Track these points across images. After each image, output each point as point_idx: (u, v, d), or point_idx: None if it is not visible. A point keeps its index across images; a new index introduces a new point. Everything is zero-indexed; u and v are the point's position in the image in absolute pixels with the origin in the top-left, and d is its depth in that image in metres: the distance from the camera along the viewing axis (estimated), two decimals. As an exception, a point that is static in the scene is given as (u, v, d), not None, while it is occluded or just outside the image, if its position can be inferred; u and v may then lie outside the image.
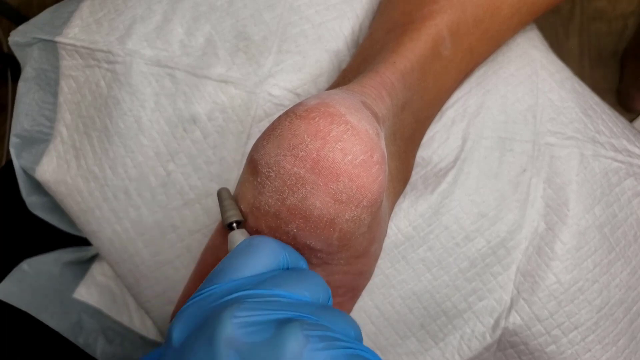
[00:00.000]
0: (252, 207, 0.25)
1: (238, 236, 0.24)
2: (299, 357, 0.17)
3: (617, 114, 0.41)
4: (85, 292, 0.40)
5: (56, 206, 0.40)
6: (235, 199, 0.26)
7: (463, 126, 0.37)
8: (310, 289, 0.22)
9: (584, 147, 0.37)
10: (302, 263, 0.24)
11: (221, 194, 0.26)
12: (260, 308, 0.19)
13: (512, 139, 0.37)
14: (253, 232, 0.26)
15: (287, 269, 0.23)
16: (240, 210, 0.26)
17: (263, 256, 0.22)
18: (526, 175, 0.36)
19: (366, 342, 0.37)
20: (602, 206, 0.36)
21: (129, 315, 0.41)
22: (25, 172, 0.39)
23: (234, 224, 0.25)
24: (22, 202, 0.40)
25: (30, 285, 0.39)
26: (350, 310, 0.31)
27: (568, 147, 0.37)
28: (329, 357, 0.18)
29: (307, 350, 0.18)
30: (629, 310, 0.36)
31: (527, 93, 0.38)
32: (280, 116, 0.24)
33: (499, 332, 0.35)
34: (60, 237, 0.41)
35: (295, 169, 0.22)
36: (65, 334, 0.38)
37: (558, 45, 1.00)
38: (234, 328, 0.18)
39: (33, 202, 0.39)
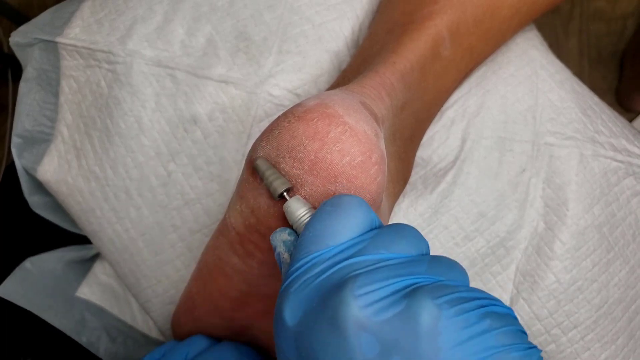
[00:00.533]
0: (252, 208, 0.25)
1: (299, 204, 0.22)
2: (435, 329, 0.17)
3: (616, 113, 0.41)
4: (88, 291, 0.40)
5: (58, 205, 0.40)
6: (235, 199, 0.27)
7: (463, 126, 0.37)
8: (413, 244, 0.20)
9: (584, 147, 0.37)
10: (378, 219, 0.22)
11: (260, 166, 0.23)
12: (378, 279, 0.18)
13: (512, 139, 0.37)
14: (254, 232, 0.26)
15: (378, 227, 0.21)
16: (242, 212, 0.25)
17: (357, 216, 0.20)
18: (526, 175, 0.36)
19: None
20: (601, 206, 0.36)
21: (132, 313, 0.41)
22: (26, 171, 0.39)
23: (285, 193, 0.22)
24: (24, 202, 0.40)
25: (33, 283, 0.39)
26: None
27: (567, 147, 0.37)
28: (463, 322, 0.17)
29: (442, 320, 0.17)
30: (627, 308, 0.36)
31: (527, 93, 0.38)
32: (278, 117, 0.24)
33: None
34: (62, 235, 0.41)
35: (294, 170, 0.22)
36: (69, 333, 0.38)
37: (557, 46, 1.00)
38: (360, 308, 0.17)
39: (35, 201, 0.40)
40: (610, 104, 0.61)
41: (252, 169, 0.24)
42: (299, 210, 0.22)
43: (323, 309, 0.18)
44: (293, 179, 0.23)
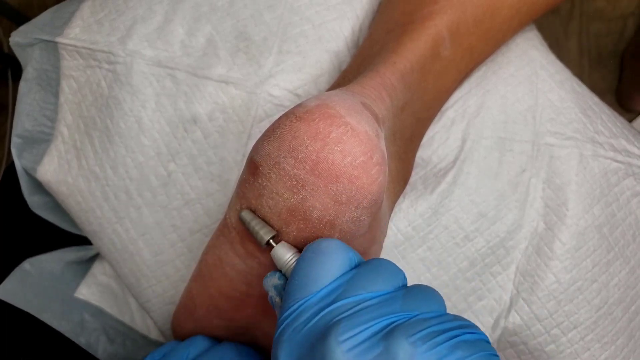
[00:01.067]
0: (252, 208, 0.25)
1: (284, 250, 0.24)
2: None
3: (616, 114, 0.41)
4: (87, 292, 0.40)
5: (57, 206, 0.40)
6: (235, 199, 0.27)
7: (463, 126, 0.37)
8: (388, 280, 0.22)
9: (583, 147, 0.37)
10: (357, 255, 0.24)
11: (245, 217, 0.25)
12: (357, 323, 0.20)
13: (512, 139, 0.37)
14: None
15: (357, 265, 0.23)
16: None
17: (336, 260, 0.22)
18: (525, 175, 0.36)
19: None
20: (601, 206, 0.36)
21: (131, 314, 0.41)
22: (26, 172, 0.39)
23: (271, 240, 0.24)
24: (23, 203, 0.40)
25: (31, 285, 0.39)
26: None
27: (567, 147, 0.37)
28: (435, 355, 0.19)
29: (416, 356, 0.19)
30: (627, 309, 0.36)
31: (527, 93, 0.38)
32: (280, 117, 0.24)
33: (498, 331, 0.35)
34: (61, 236, 0.41)
35: (295, 170, 0.22)
36: (67, 334, 0.38)
37: (557, 46, 1.00)
38: (343, 353, 0.19)
39: (35, 201, 0.40)
40: (610, 104, 0.61)
41: (252, 170, 0.24)
42: (285, 256, 0.24)
43: (313, 356, 0.20)
44: (294, 179, 0.23)
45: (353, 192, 0.23)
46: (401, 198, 0.35)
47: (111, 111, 0.36)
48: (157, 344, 0.41)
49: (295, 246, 0.25)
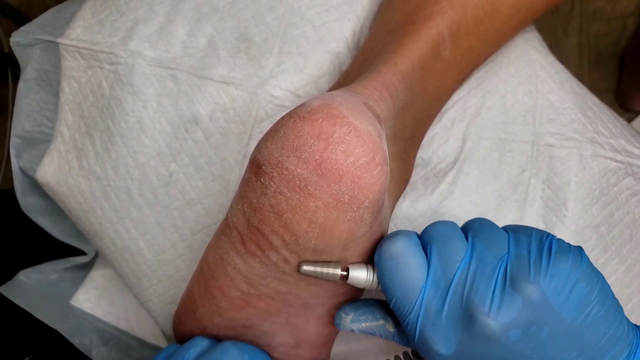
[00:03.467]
0: (254, 208, 0.25)
1: (358, 271, 0.26)
2: (544, 296, 0.22)
3: (616, 114, 0.41)
4: (83, 298, 0.41)
5: (50, 210, 0.40)
6: (237, 199, 0.27)
7: (463, 127, 0.37)
8: (461, 239, 0.25)
9: (583, 147, 0.37)
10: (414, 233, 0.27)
11: (308, 270, 0.25)
12: (485, 291, 0.23)
13: (512, 140, 0.37)
14: (256, 231, 0.26)
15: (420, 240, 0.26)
16: (244, 212, 0.26)
17: (412, 251, 0.24)
18: (525, 175, 0.36)
19: (360, 338, 0.37)
20: (600, 206, 0.37)
21: (127, 318, 0.41)
22: (23, 173, 0.39)
23: (343, 271, 0.26)
24: (16, 215, 0.40)
25: (28, 290, 0.39)
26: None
27: (567, 148, 0.37)
28: (559, 280, 0.22)
29: (548, 293, 0.22)
30: (624, 307, 0.36)
31: (527, 94, 0.38)
32: (283, 117, 0.24)
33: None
34: (53, 246, 0.41)
35: (299, 170, 0.23)
36: (63, 333, 0.39)
37: (557, 46, 1.00)
38: (498, 323, 0.22)
39: (28, 203, 0.40)
40: (610, 104, 0.61)
41: (255, 170, 0.24)
42: (362, 276, 0.26)
43: (472, 336, 0.23)
44: (297, 178, 0.23)
45: (355, 192, 0.23)
46: (401, 198, 0.36)
47: (112, 111, 0.37)
48: (153, 347, 0.41)
49: (297, 246, 0.25)
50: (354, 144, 0.22)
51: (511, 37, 0.37)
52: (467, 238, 0.25)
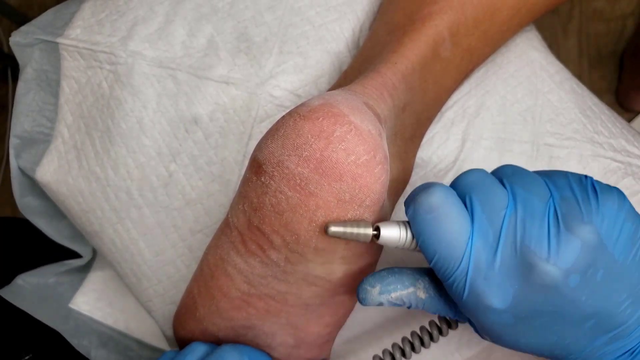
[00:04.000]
0: (255, 207, 0.25)
1: (390, 229, 0.24)
2: (599, 237, 0.22)
3: (615, 114, 0.41)
4: (82, 300, 0.41)
5: (47, 211, 0.40)
6: (238, 198, 0.27)
7: (462, 127, 0.37)
8: (500, 189, 0.23)
9: (583, 147, 0.37)
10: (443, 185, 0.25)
11: (335, 230, 0.23)
12: (540, 235, 0.22)
13: (512, 140, 0.37)
14: (256, 231, 0.26)
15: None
16: (244, 211, 0.26)
17: (454, 222, 0.22)
18: (525, 175, 0.36)
19: (361, 338, 0.37)
20: (601, 206, 0.37)
21: (126, 320, 0.41)
22: (22, 173, 0.39)
23: (374, 230, 0.24)
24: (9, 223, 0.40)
25: (27, 293, 0.40)
26: (352, 309, 0.31)
27: (567, 148, 0.37)
28: (609, 219, 0.22)
29: (602, 231, 0.22)
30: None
31: (527, 94, 0.38)
32: (284, 116, 0.24)
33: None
34: (51, 250, 0.42)
35: (299, 168, 0.23)
36: (62, 333, 0.39)
37: (557, 46, 1.00)
38: (554, 267, 0.21)
39: (25, 203, 0.40)
40: (610, 103, 0.61)
41: (255, 169, 0.24)
42: (394, 235, 0.24)
43: (530, 284, 0.22)
44: (298, 177, 0.23)
45: (356, 191, 0.23)
46: (401, 198, 0.36)
47: (112, 112, 0.37)
48: (152, 348, 0.41)
49: (298, 245, 0.25)
50: (355, 143, 0.22)
51: (511, 37, 0.37)
52: (503, 185, 0.24)
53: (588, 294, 0.22)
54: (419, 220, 0.23)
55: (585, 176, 0.23)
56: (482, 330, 0.24)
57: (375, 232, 0.24)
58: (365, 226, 0.23)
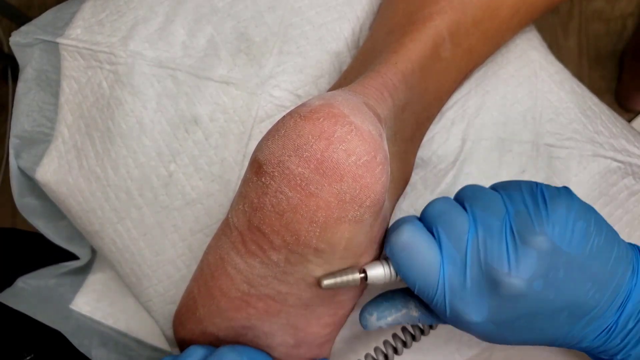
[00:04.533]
0: (255, 207, 0.25)
1: (374, 270, 0.26)
2: (554, 245, 0.24)
3: (615, 114, 0.41)
4: (82, 301, 0.41)
5: (45, 211, 0.40)
6: (238, 199, 0.27)
7: (462, 127, 0.37)
8: (459, 214, 0.26)
9: (583, 147, 0.37)
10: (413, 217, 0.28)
11: (328, 283, 0.26)
12: (499, 253, 0.24)
13: (512, 140, 0.37)
14: (256, 231, 0.26)
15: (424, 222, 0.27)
16: (244, 212, 0.26)
17: (425, 254, 0.25)
18: (525, 175, 0.36)
19: (357, 337, 0.37)
20: (599, 205, 0.37)
21: (126, 320, 0.41)
22: (22, 173, 0.39)
23: (361, 274, 0.26)
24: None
25: (28, 296, 0.40)
26: (351, 309, 0.31)
27: (567, 148, 0.37)
28: (563, 227, 0.24)
29: (555, 238, 0.24)
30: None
31: (527, 94, 0.38)
32: (284, 117, 0.24)
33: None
34: (49, 252, 0.42)
35: (300, 169, 0.23)
36: (63, 332, 0.39)
37: (557, 46, 1.00)
38: (521, 280, 0.24)
39: (25, 204, 0.40)
40: (609, 103, 0.61)
41: (256, 169, 0.24)
42: (379, 273, 0.26)
43: (500, 297, 0.24)
44: (299, 178, 0.23)
45: (357, 191, 0.23)
46: (401, 199, 0.36)
47: (112, 112, 0.37)
48: (152, 347, 0.41)
49: (297, 246, 0.25)
50: (355, 143, 0.22)
51: (511, 37, 0.37)
52: (464, 208, 0.26)
53: (555, 292, 0.24)
54: (395, 258, 0.26)
55: (536, 183, 0.25)
56: (473, 335, 0.27)
57: (362, 275, 0.26)
58: (353, 272, 0.26)
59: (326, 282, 0.26)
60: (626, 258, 0.25)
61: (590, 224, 0.24)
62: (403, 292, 0.29)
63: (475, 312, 0.24)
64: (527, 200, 0.25)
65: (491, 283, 0.24)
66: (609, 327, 0.25)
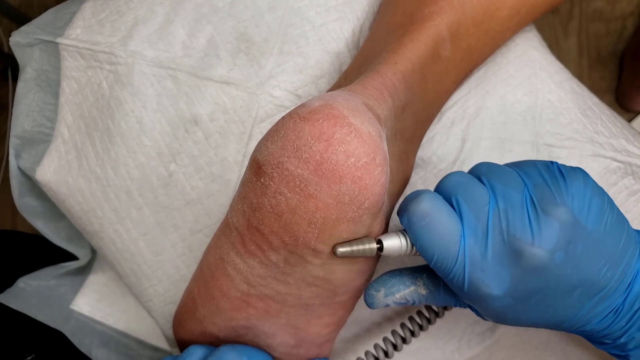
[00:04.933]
0: (254, 208, 0.25)
1: (391, 239, 0.26)
2: (574, 218, 0.24)
3: (615, 114, 0.41)
4: (83, 301, 0.41)
5: (45, 211, 0.40)
6: (237, 199, 0.27)
7: (462, 127, 0.37)
8: (480, 187, 0.26)
9: (583, 147, 0.37)
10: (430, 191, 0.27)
11: (344, 251, 0.25)
12: (523, 224, 0.24)
13: (512, 140, 0.37)
14: (256, 232, 0.26)
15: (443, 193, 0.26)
16: (244, 212, 0.26)
17: (445, 224, 0.24)
18: (525, 175, 0.36)
19: (357, 336, 0.37)
20: (601, 206, 0.37)
21: (127, 320, 0.41)
22: (22, 173, 0.39)
23: (377, 245, 0.26)
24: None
25: (29, 297, 0.40)
26: (351, 310, 0.31)
27: (567, 148, 0.37)
28: (582, 199, 0.24)
29: (574, 210, 0.24)
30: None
31: (527, 94, 0.38)
32: (283, 117, 0.24)
33: (497, 333, 0.35)
34: (49, 252, 0.42)
35: (299, 170, 0.23)
36: (63, 331, 0.39)
37: (557, 46, 1.00)
38: (539, 249, 0.24)
39: (24, 204, 0.40)
40: (609, 103, 0.61)
41: (255, 170, 0.24)
42: (395, 244, 0.26)
43: (521, 268, 0.23)
44: (298, 179, 0.23)
45: (356, 193, 0.23)
46: (401, 199, 0.36)
47: (112, 112, 0.37)
48: (152, 347, 0.41)
49: (297, 247, 0.25)
50: (355, 145, 0.22)
51: (510, 37, 0.37)
52: (482, 182, 0.26)
53: (572, 267, 0.24)
54: (414, 227, 0.25)
55: (552, 162, 0.26)
56: (485, 314, 0.26)
57: (378, 245, 0.25)
58: (369, 242, 0.25)
59: (341, 249, 0.25)
60: (634, 239, 0.25)
61: (604, 202, 0.24)
62: (411, 270, 0.29)
63: (495, 285, 0.24)
64: (545, 175, 0.25)
65: (514, 254, 0.23)
66: (617, 307, 0.25)
